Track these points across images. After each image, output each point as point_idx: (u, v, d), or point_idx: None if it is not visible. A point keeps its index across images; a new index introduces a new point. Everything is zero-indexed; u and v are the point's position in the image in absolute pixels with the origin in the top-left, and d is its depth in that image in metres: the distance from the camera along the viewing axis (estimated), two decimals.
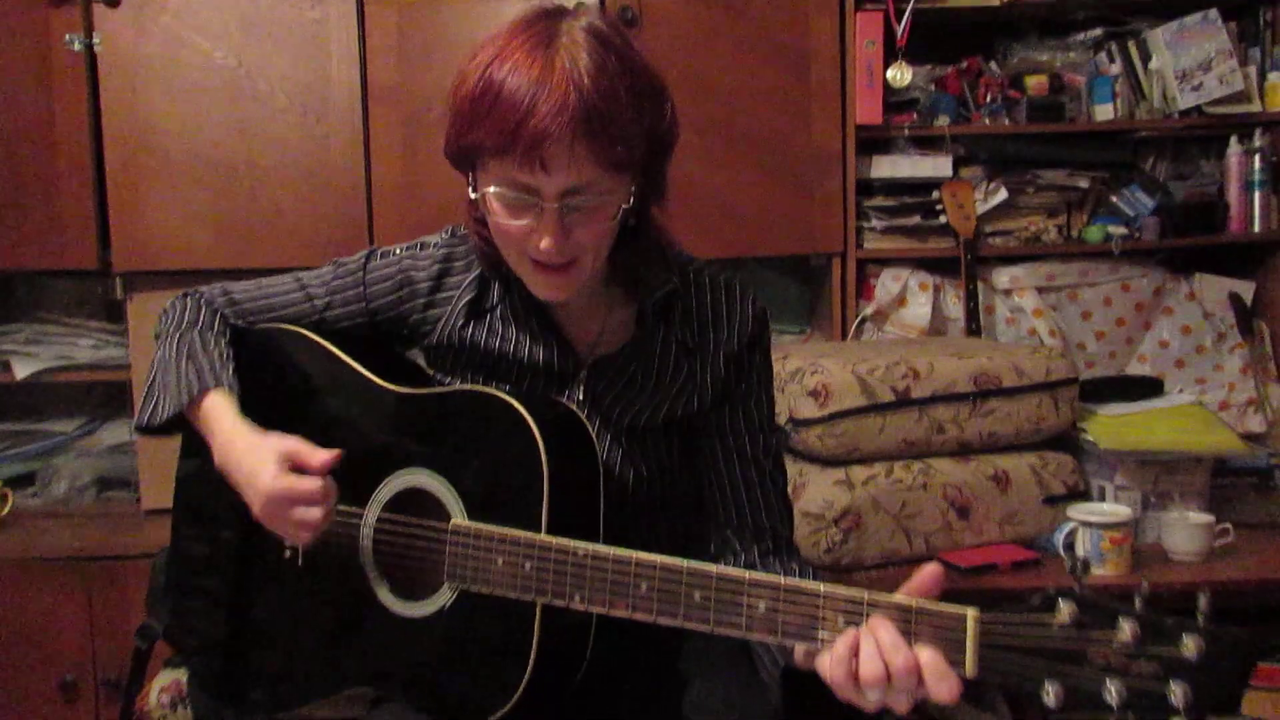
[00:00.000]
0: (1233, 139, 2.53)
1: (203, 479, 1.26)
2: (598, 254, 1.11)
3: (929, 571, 0.96)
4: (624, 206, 1.09)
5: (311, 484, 1.08)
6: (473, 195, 1.11)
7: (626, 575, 1.02)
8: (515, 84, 1.02)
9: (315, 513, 1.08)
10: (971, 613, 0.91)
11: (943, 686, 0.90)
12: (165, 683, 1.63)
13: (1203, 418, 1.99)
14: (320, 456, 1.09)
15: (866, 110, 2.36)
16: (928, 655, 0.90)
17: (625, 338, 1.21)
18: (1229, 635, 0.85)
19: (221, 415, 1.17)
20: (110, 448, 2.40)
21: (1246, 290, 2.58)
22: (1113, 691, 0.86)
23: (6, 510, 2.18)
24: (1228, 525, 1.86)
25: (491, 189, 1.07)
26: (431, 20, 2.25)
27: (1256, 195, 2.52)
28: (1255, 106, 2.52)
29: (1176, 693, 0.85)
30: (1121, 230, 2.50)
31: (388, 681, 1.15)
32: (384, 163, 2.27)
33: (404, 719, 1.12)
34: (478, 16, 2.25)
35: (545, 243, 1.06)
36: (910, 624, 0.92)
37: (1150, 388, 2.11)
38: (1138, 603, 0.87)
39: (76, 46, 2.17)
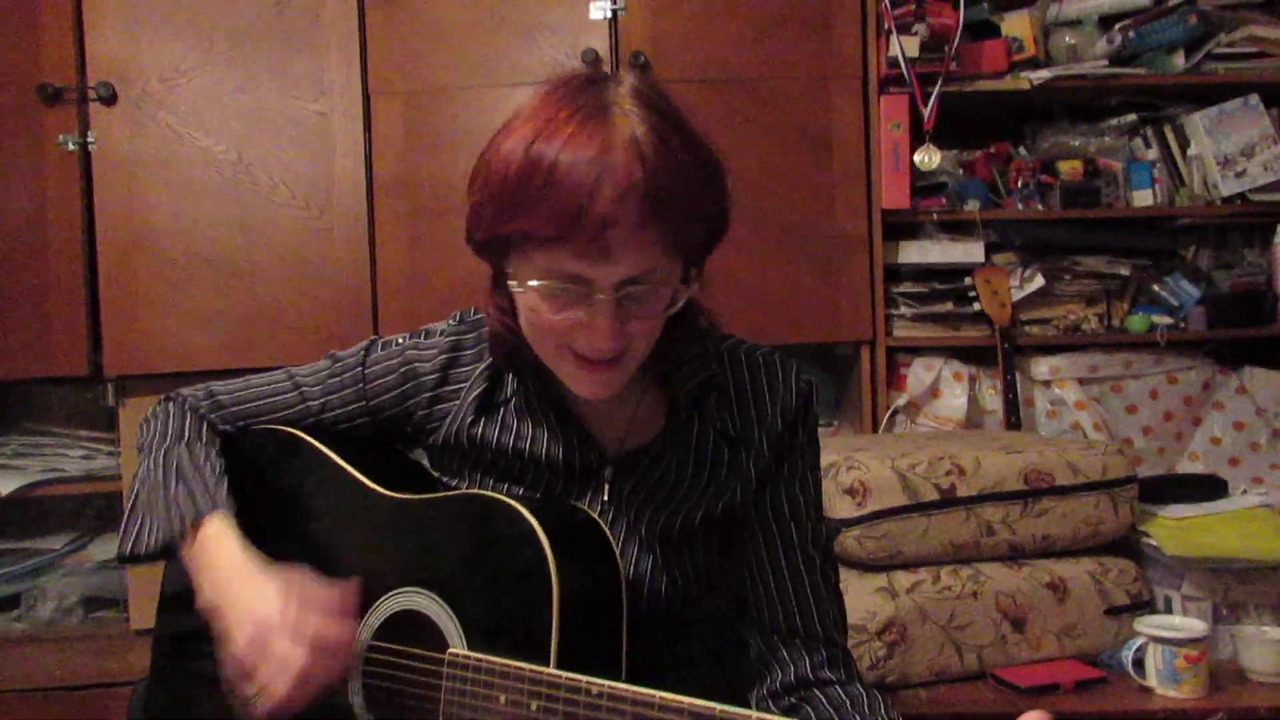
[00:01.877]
0: (1279, 227, 2.43)
1: (187, 602, 1.14)
2: (646, 346, 0.99)
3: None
4: (679, 292, 0.97)
5: (341, 628, 0.97)
6: (516, 289, 0.98)
7: (649, 719, 0.88)
8: (572, 163, 0.90)
9: (298, 655, 0.95)
10: None
11: None
12: None
13: (1275, 522, 1.84)
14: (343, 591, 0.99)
15: (893, 194, 2.29)
16: None
17: (656, 429, 1.09)
18: None
19: (222, 548, 1.05)
20: (100, 564, 2.26)
21: None
22: None
23: None
24: None
25: (534, 283, 0.95)
26: (438, 113, 2.20)
27: None
28: None
29: None
30: (1166, 320, 2.40)
31: None
32: (389, 255, 2.20)
33: None
34: (485, 108, 2.21)
35: (602, 340, 0.94)
36: None
37: (1213, 488, 1.97)
38: None
39: (71, 146, 2.12)
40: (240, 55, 2.16)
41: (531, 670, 0.92)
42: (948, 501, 1.72)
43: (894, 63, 2.24)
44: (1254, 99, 2.41)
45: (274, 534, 1.09)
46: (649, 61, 2.18)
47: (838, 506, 1.71)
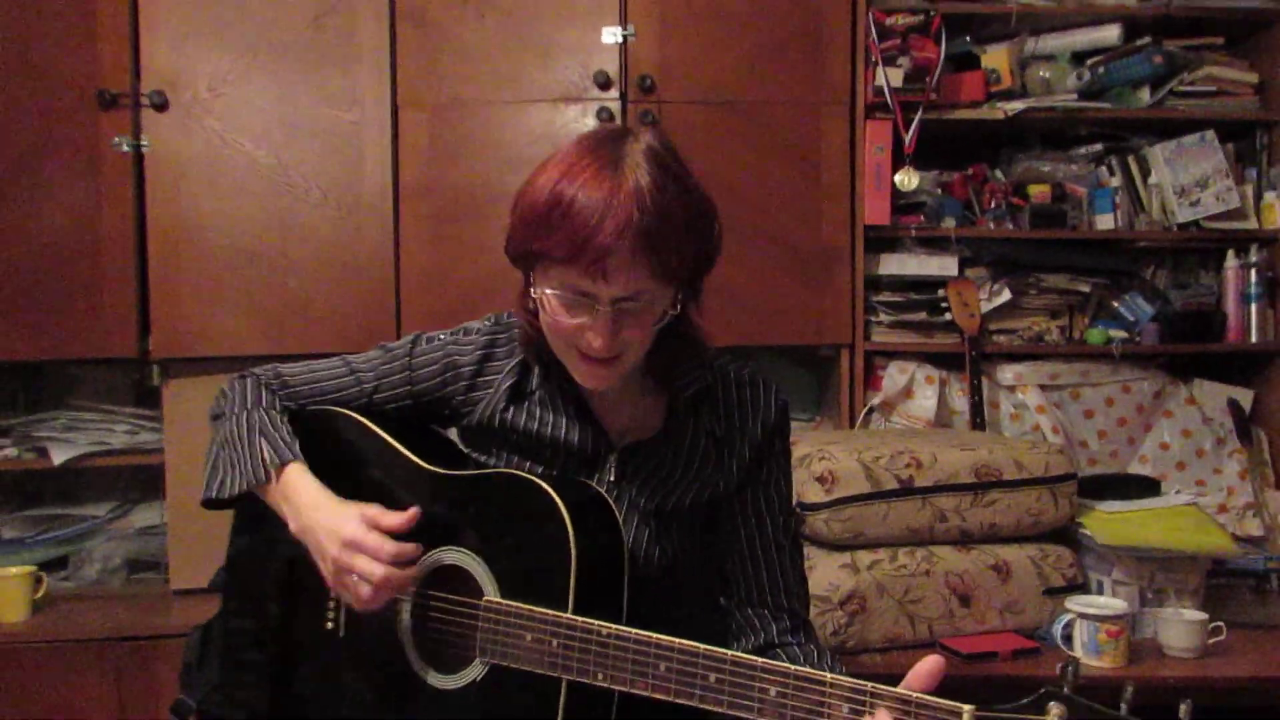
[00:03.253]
0: (1230, 253, 2.70)
1: (255, 554, 1.40)
2: (639, 352, 1.24)
3: (929, 663, 1.06)
4: (669, 312, 1.22)
5: (382, 542, 1.22)
6: (533, 293, 1.23)
7: (647, 656, 1.14)
8: (585, 202, 1.14)
9: (378, 569, 1.21)
10: (967, 709, 1.00)
11: None
12: None
13: (1198, 519, 2.11)
14: (396, 519, 1.24)
15: (875, 211, 2.55)
16: None
17: (656, 426, 1.34)
18: None
19: (305, 485, 1.31)
20: (140, 530, 2.53)
21: (1245, 398, 2.73)
22: None
23: (41, 594, 2.30)
24: (1221, 624, 1.97)
25: (550, 291, 1.20)
26: (461, 124, 2.45)
27: (1253, 307, 2.68)
28: (1251, 223, 2.70)
29: None
30: (1122, 334, 2.66)
31: None
32: (413, 254, 2.45)
33: None
34: (504, 122, 2.45)
35: (597, 341, 1.19)
36: (909, 716, 1.02)
37: (1148, 487, 2.24)
38: (1124, 708, 0.97)
39: (125, 148, 2.36)
40: (281, 67, 2.41)
41: (553, 615, 1.18)
42: (906, 491, 1.99)
43: (879, 91, 2.49)
44: (1210, 135, 2.66)
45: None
46: (655, 84, 2.43)
47: (809, 492, 1.98)
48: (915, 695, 1.03)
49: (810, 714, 1.07)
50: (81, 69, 2.35)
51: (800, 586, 1.41)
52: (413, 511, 1.25)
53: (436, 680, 1.26)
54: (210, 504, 1.39)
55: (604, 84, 2.43)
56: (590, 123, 2.43)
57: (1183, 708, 0.96)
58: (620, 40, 2.44)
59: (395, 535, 1.24)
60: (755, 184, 2.47)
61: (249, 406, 1.40)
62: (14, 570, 2.26)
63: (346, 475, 1.35)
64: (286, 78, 2.41)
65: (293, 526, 1.30)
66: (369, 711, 1.31)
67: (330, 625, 1.34)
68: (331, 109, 2.43)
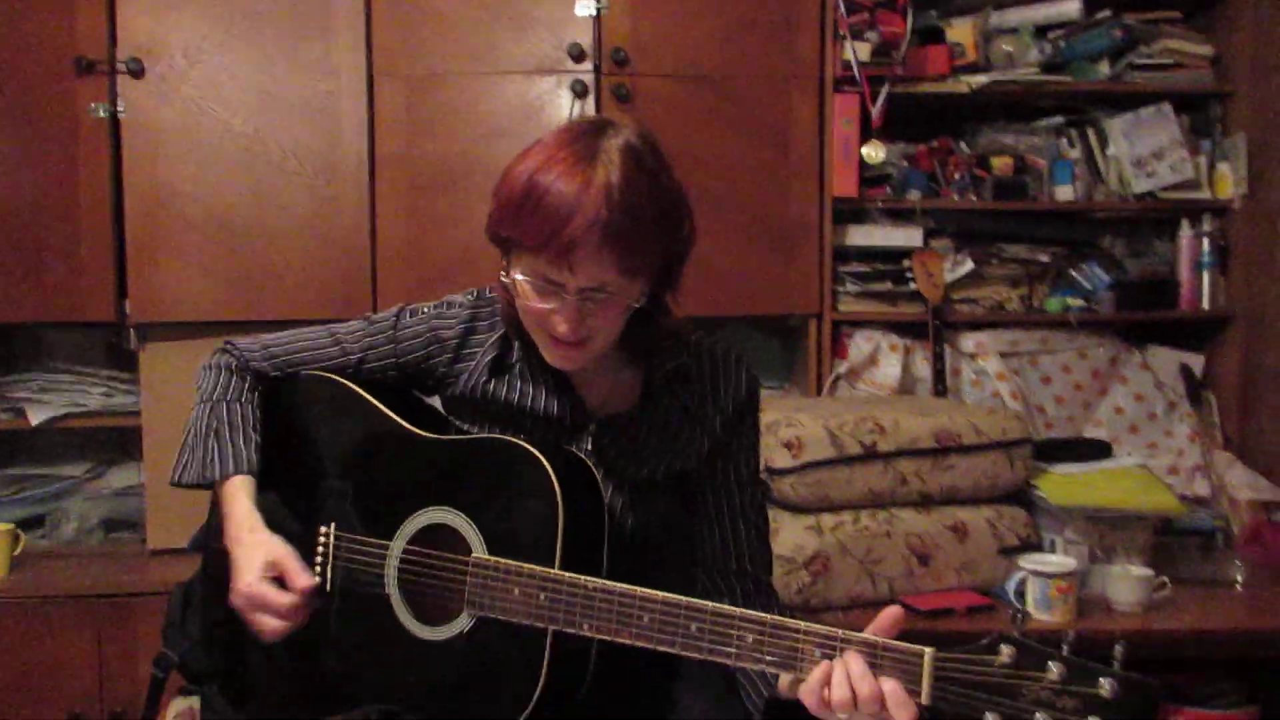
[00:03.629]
0: (1184, 222, 2.81)
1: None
2: (608, 338, 1.31)
3: (891, 613, 1.17)
4: (634, 305, 1.29)
5: (283, 600, 1.32)
6: (503, 279, 1.31)
7: (631, 608, 1.22)
8: (556, 194, 1.20)
9: (274, 624, 1.32)
10: (929, 651, 1.11)
11: (901, 713, 1.10)
12: (179, 709, 1.81)
13: (1146, 480, 2.23)
14: (302, 581, 1.33)
15: (843, 183, 2.63)
16: (890, 685, 1.11)
17: (633, 400, 1.42)
18: (1138, 681, 1.04)
19: (236, 502, 1.39)
20: (117, 491, 2.59)
21: (1196, 363, 2.86)
22: None
23: (19, 550, 2.36)
24: (1165, 579, 2.09)
25: (521, 276, 1.27)
26: (437, 95, 2.50)
27: (1205, 275, 2.80)
28: (1205, 193, 2.82)
29: None
30: (1079, 303, 2.78)
31: (408, 698, 1.35)
32: (389, 225, 2.50)
33: None
34: (479, 93, 2.50)
35: (563, 327, 1.26)
36: (876, 658, 1.13)
37: (1099, 450, 2.36)
38: (1065, 649, 1.07)
39: (101, 114, 2.40)
40: (257, 36, 2.44)
41: (541, 570, 1.26)
42: (869, 455, 2.09)
43: (847, 65, 2.57)
44: (1166, 107, 2.77)
45: (325, 457, 1.43)
46: (628, 57, 2.49)
47: (777, 458, 2.08)
48: (881, 640, 1.14)
49: (785, 658, 1.17)
50: (59, 35, 2.38)
51: (765, 554, 1.49)
52: (314, 581, 1.35)
53: (424, 632, 1.34)
54: (175, 485, 1.46)
55: (578, 56, 2.48)
56: (564, 95, 2.49)
57: (1117, 649, 1.05)
58: (594, 13, 2.49)
59: None
60: (726, 157, 2.54)
61: (216, 399, 1.47)
62: None
63: (334, 438, 1.42)
64: (263, 47, 2.45)
65: (228, 534, 1.39)
66: (357, 662, 1.38)
67: (318, 580, 1.41)
68: (308, 79, 2.46)
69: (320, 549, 1.41)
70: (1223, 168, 2.80)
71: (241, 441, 1.43)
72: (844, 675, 1.12)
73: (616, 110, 2.49)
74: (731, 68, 2.54)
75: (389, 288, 2.49)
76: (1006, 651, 1.08)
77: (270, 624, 1.33)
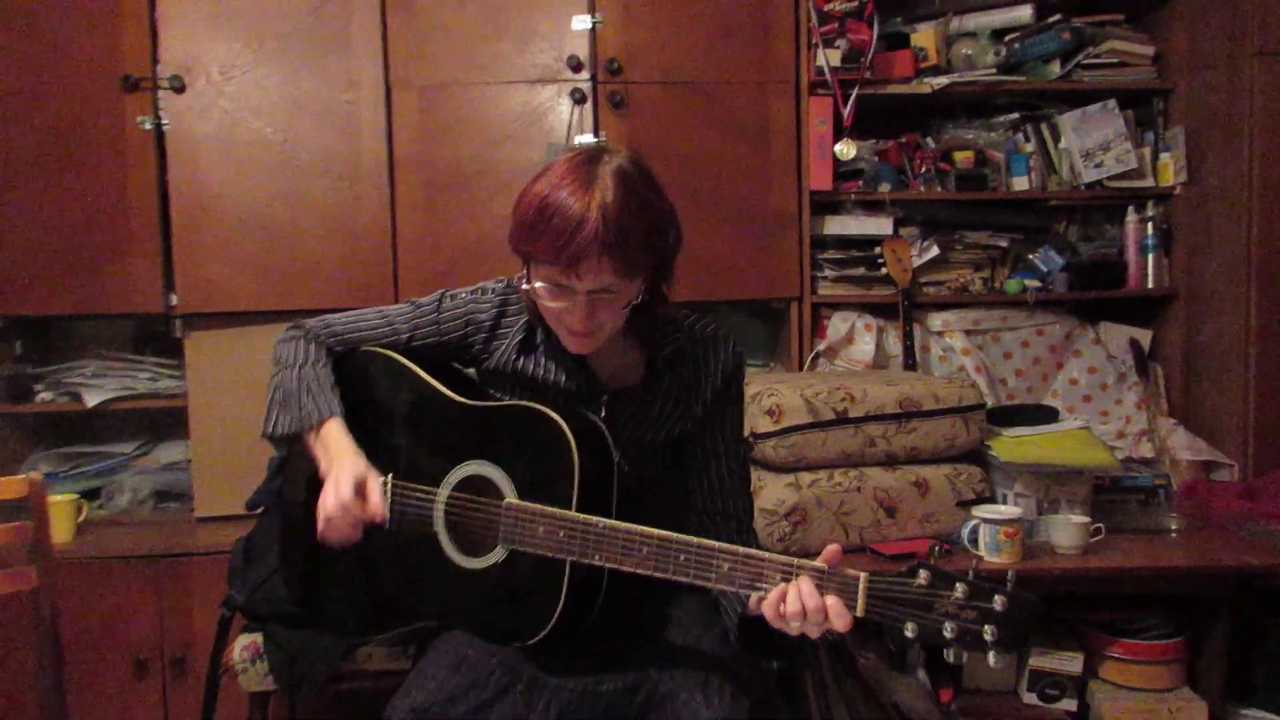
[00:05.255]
0: (1130, 208, 3.11)
1: (308, 474, 1.77)
2: (613, 327, 1.60)
3: (834, 548, 1.45)
4: (633, 301, 1.58)
5: (361, 512, 1.60)
6: (525, 287, 1.60)
7: (633, 542, 1.50)
8: (561, 216, 1.47)
9: (345, 532, 1.61)
10: (863, 575, 1.39)
11: (840, 621, 1.39)
12: (245, 642, 2.11)
13: (1086, 440, 2.54)
14: (374, 498, 1.61)
15: (819, 178, 2.92)
16: (831, 600, 1.39)
17: (638, 376, 1.70)
18: (1025, 598, 1.30)
19: (333, 437, 1.68)
20: (164, 466, 2.88)
21: (1144, 337, 3.16)
22: (949, 629, 1.31)
23: (82, 518, 2.66)
24: (1100, 526, 2.40)
25: (539, 283, 1.56)
26: (449, 102, 2.79)
27: (1150, 256, 3.11)
28: (1149, 182, 3.12)
29: (989, 631, 1.30)
30: (1036, 283, 3.08)
31: (452, 616, 1.64)
32: (407, 221, 2.79)
33: (464, 639, 1.61)
34: (486, 101, 2.80)
35: (575, 322, 1.55)
36: (823, 580, 1.41)
37: (1047, 414, 2.66)
38: (970, 574, 1.35)
39: (147, 126, 2.69)
40: (285, 53, 2.74)
41: (561, 512, 1.55)
42: (841, 421, 2.40)
43: (820, 71, 2.86)
44: (1112, 103, 3.07)
45: (382, 420, 1.73)
46: (622, 66, 2.78)
47: (760, 424, 2.38)
48: (826, 566, 1.43)
49: (753, 580, 1.46)
50: (107, 56, 2.68)
51: (746, 500, 1.77)
52: (380, 504, 1.62)
53: (465, 562, 1.63)
54: (269, 438, 1.76)
55: (576, 67, 2.78)
56: (564, 102, 2.78)
57: (1010, 574, 1.33)
58: (589, 27, 2.78)
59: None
60: (712, 155, 2.84)
61: (301, 364, 1.74)
62: (60, 497, 2.61)
63: (391, 403, 1.72)
64: (290, 62, 2.74)
65: (321, 466, 1.68)
66: (410, 587, 1.68)
67: (385, 510, 1.70)
68: (331, 90, 2.75)
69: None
70: (1165, 158, 3.10)
71: (330, 393, 1.72)
72: (796, 593, 1.40)
73: (612, 114, 2.79)
74: (716, 74, 2.83)
75: (408, 278, 2.78)
76: (923, 575, 1.35)
77: (342, 531, 1.60)
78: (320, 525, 1.62)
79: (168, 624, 2.56)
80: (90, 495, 2.85)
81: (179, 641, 2.56)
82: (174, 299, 2.74)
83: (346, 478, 1.61)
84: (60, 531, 2.57)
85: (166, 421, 2.95)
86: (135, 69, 2.68)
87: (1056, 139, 3.10)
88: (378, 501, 1.61)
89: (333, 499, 1.60)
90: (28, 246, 2.70)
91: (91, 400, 2.76)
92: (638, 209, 1.52)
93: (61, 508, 2.58)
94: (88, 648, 2.51)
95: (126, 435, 2.96)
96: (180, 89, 2.69)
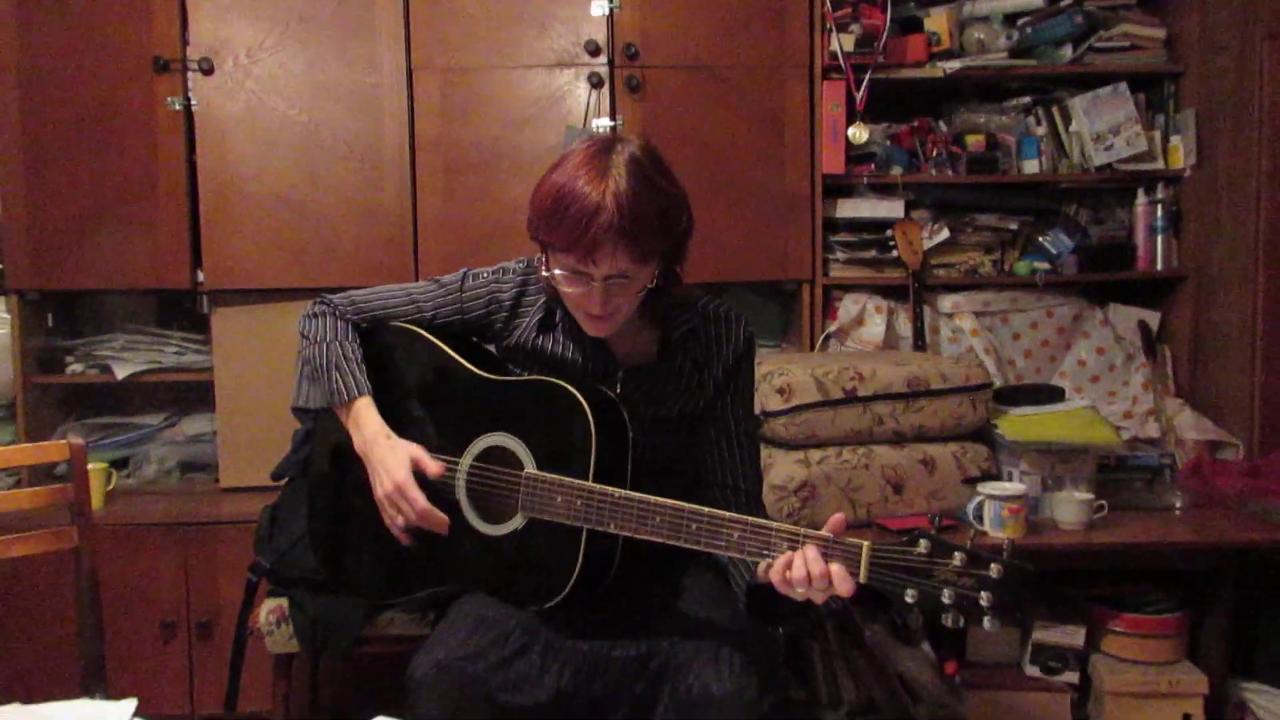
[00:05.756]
0: (1139, 191, 3.15)
1: (339, 437, 1.84)
2: (629, 310, 1.68)
3: (838, 518, 1.52)
4: (648, 285, 1.65)
5: (420, 503, 1.69)
6: (544, 274, 1.67)
7: (647, 511, 1.57)
8: (578, 205, 1.54)
9: (411, 513, 1.69)
10: (866, 543, 1.46)
11: (843, 587, 1.45)
12: (271, 606, 2.20)
13: (1090, 419, 2.60)
14: (433, 468, 1.70)
15: (831, 161, 2.97)
16: (835, 567, 1.46)
17: (652, 354, 1.77)
18: (1020, 567, 1.37)
19: (367, 417, 1.76)
20: (191, 437, 2.98)
21: (1153, 319, 3.21)
22: (947, 595, 1.38)
23: (112, 486, 2.75)
24: (1103, 503, 2.46)
25: (558, 270, 1.63)
26: (469, 85, 2.85)
27: (1160, 239, 3.14)
28: (1159, 164, 3.15)
29: (985, 598, 1.36)
30: (1045, 266, 3.12)
31: (472, 580, 1.72)
32: (428, 202, 2.87)
33: (484, 601, 1.70)
34: (505, 84, 2.86)
35: (593, 307, 1.63)
36: (828, 548, 1.48)
37: (1053, 394, 2.72)
38: (968, 543, 1.42)
39: (176, 107, 2.77)
40: (310, 37, 2.81)
41: (579, 482, 1.63)
42: (850, 399, 2.46)
43: (834, 55, 2.91)
44: (1122, 86, 3.10)
45: (408, 392, 1.81)
46: (639, 51, 2.84)
47: (770, 402, 2.45)
48: (831, 535, 1.49)
49: (761, 549, 1.52)
50: (138, 39, 2.76)
51: (755, 473, 1.84)
52: (441, 466, 1.72)
53: (486, 529, 1.71)
54: (298, 410, 1.84)
55: (594, 51, 2.84)
56: (582, 86, 2.85)
57: (1006, 544, 1.40)
58: (607, 12, 2.84)
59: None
60: (727, 139, 2.90)
61: (329, 339, 1.82)
62: (92, 465, 2.67)
63: (419, 377, 1.80)
64: (315, 46, 2.81)
65: (356, 444, 1.76)
66: (433, 552, 1.76)
67: (445, 468, 1.77)
68: (354, 73, 2.82)
69: None
70: (1175, 140, 3.13)
71: (358, 371, 1.80)
72: (802, 560, 1.46)
73: (629, 98, 2.85)
74: (730, 59, 2.88)
75: (428, 257, 2.86)
76: (924, 544, 1.41)
77: (408, 511, 1.69)
78: (385, 513, 1.73)
79: (194, 589, 2.66)
80: (119, 465, 2.95)
81: (205, 606, 2.66)
82: (200, 275, 2.82)
83: (399, 461, 1.70)
84: (92, 498, 2.65)
85: (192, 394, 3.04)
86: (165, 51, 2.76)
87: (1067, 122, 3.14)
88: (434, 469, 1.71)
89: (395, 484, 1.70)
90: (61, 222, 2.79)
91: (121, 373, 2.86)
92: (651, 196, 1.58)
93: (93, 475, 2.65)
94: (118, 611, 2.61)
95: (153, 407, 3.05)
96: (209, 71, 2.77)
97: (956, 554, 1.40)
